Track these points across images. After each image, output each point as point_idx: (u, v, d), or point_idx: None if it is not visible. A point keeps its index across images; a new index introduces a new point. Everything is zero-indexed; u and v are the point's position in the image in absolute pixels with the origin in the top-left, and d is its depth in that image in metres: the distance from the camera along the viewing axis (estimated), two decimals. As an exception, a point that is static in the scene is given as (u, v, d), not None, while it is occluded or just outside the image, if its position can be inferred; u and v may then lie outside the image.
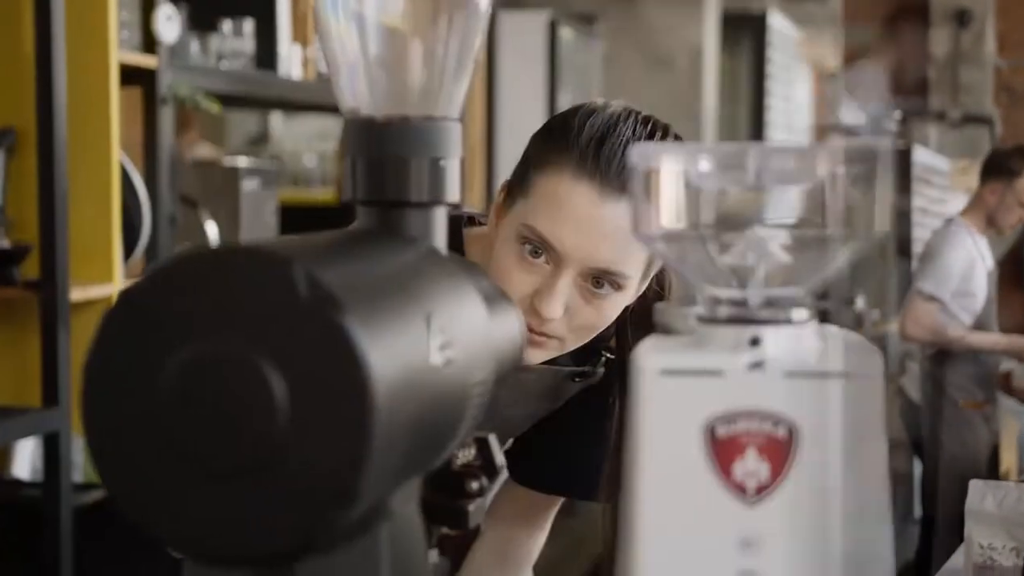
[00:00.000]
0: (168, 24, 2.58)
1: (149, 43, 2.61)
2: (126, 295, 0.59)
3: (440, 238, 0.75)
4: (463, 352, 0.67)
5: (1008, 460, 4.67)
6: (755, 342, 0.64)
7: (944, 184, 7.01)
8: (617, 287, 1.23)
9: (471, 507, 0.82)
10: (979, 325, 4.32)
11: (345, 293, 0.57)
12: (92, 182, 2.41)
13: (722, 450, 0.63)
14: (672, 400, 0.64)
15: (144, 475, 0.59)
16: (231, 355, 0.57)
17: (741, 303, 0.66)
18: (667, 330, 0.72)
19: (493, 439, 0.82)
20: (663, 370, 0.64)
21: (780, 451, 0.63)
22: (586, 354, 1.39)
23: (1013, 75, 9.13)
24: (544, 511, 1.51)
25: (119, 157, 2.46)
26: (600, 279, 1.22)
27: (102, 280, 2.43)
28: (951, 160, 6.99)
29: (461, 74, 0.76)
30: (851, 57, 8.33)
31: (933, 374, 4.40)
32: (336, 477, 0.57)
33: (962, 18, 8.29)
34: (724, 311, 0.66)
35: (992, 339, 4.39)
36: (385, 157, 0.72)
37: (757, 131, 7.05)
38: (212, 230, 2.84)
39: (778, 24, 7.10)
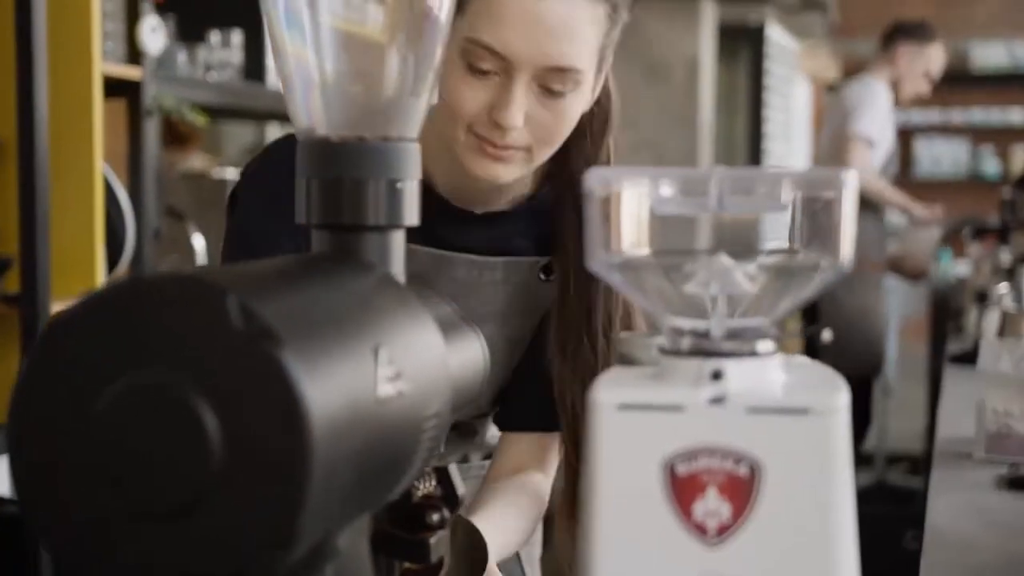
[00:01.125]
0: (153, 35, 2.56)
1: (135, 54, 2.58)
2: (55, 323, 0.57)
3: (398, 263, 0.73)
4: (416, 383, 0.65)
5: None
6: (717, 376, 0.62)
7: (791, 64, 7.09)
8: (573, 84, 1.21)
9: (432, 540, 0.79)
10: None
11: (283, 325, 0.55)
12: (75, 195, 2.39)
13: (682, 489, 0.61)
14: (630, 436, 0.61)
15: (71, 512, 0.56)
16: (162, 389, 0.54)
17: (704, 334, 0.64)
18: (630, 360, 0.70)
19: (453, 468, 0.79)
20: (621, 404, 0.61)
21: (742, 490, 0.60)
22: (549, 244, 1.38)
23: None
24: (547, 450, 1.43)
25: (102, 169, 2.43)
26: (554, 80, 1.20)
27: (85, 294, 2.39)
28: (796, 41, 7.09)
29: (420, 91, 0.73)
30: (850, 69, 8.32)
31: None
32: (271, 519, 0.54)
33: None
34: (686, 343, 0.64)
35: (906, 200, 4.44)
36: (340, 179, 0.70)
37: (755, 142, 7.03)
38: (199, 243, 2.81)
39: (776, 36, 7.08)
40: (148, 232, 2.57)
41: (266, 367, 0.53)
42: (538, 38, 1.18)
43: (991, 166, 9.23)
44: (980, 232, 4.28)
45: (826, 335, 3.96)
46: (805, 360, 0.68)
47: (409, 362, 0.64)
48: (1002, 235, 3.93)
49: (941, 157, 9.33)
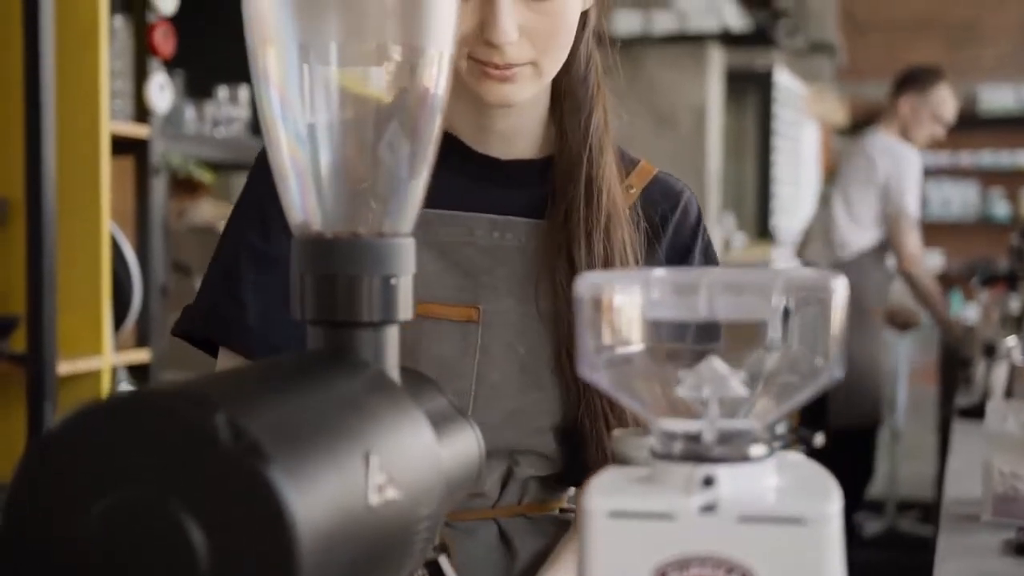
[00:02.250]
0: (161, 94, 2.57)
1: (143, 112, 2.60)
2: (46, 439, 0.57)
3: (392, 359, 0.72)
4: (407, 487, 0.65)
5: None
6: (708, 482, 0.61)
7: (799, 108, 7.12)
8: None
9: (430, 635, 0.79)
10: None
11: (272, 439, 0.55)
12: (82, 253, 2.40)
13: (673, 597, 0.60)
14: (621, 544, 0.61)
15: (60, 629, 0.56)
16: (150, 506, 0.54)
17: (695, 437, 0.64)
18: (623, 459, 0.70)
19: (444, 561, 0.79)
20: (612, 512, 0.61)
21: (734, 599, 0.60)
22: None
23: (857, 4, 9.15)
24: None
25: (109, 228, 2.44)
26: None
27: (91, 353, 2.40)
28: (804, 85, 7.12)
29: (418, 171, 0.73)
30: (858, 113, 8.34)
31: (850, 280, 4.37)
32: (260, 635, 0.54)
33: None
34: (678, 447, 0.63)
35: (947, 313, 4.43)
36: (335, 276, 0.70)
37: (763, 187, 7.04)
38: (206, 298, 2.81)
39: (784, 81, 7.10)
40: (155, 289, 2.58)
41: (254, 484, 0.53)
42: None
43: (1001, 208, 9.23)
44: (989, 280, 4.27)
45: (818, 440, 3.96)
46: (799, 458, 0.68)
47: (401, 466, 0.64)
48: (1011, 282, 3.93)
49: (951, 199, 9.34)
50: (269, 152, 0.73)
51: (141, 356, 2.57)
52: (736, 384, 0.63)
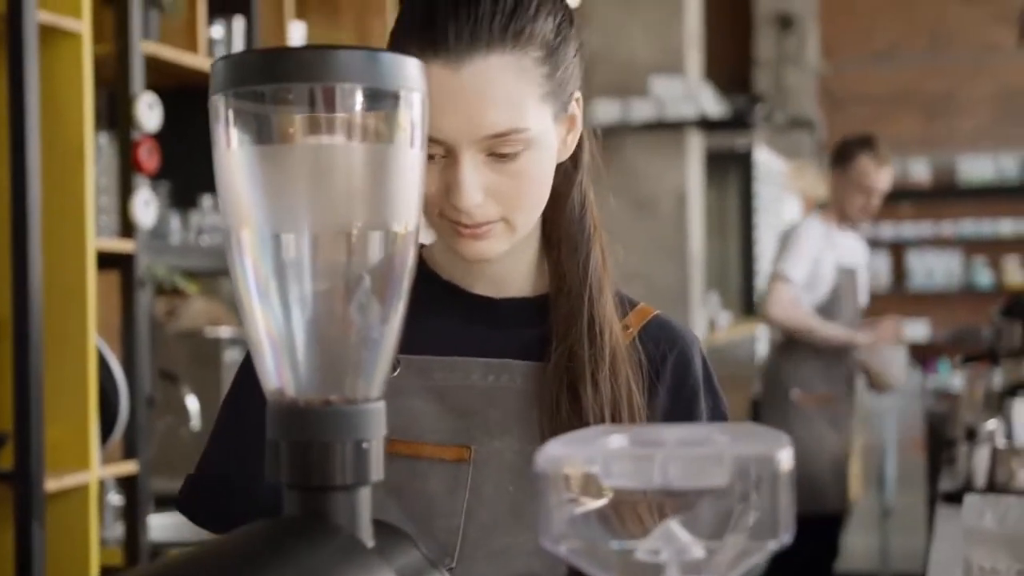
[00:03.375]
0: (146, 209, 2.61)
1: (128, 227, 2.63)
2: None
3: (364, 519, 0.75)
4: (379, 656, 0.67)
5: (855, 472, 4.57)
6: (668, 649, 0.64)
7: (780, 184, 7.21)
8: (523, 144, 1.14)
9: None
10: (823, 317, 4.34)
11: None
12: (69, 369, 2.42)
13: None
14: None
15: None
16: None
17: (656, 599, 0.66)
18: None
19: None
20: None
21: None
22: None
23: (835, 79, 9.29)
24: None
25: (96, 343, 2.47)
26: (500, 146, 1.13)
27: (79, 467, 2.41)
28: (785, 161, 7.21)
29: (385, 346, 0.76)
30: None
31: (774, 365, 4.39)
32: None
33: (785, 22, 8.44)
34: (639, 613, 0.66)
35: (843, 332, 4.39)
36: (309, 443, 0.73)
37: (747, 265, 7.10)
38: (193, 405, 2.84)
39: (764, 159, 7.19)
40: (141, 400, 2.60)
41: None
42: (463, 113, 1.11)
43: (984, 277, 9.31)
44: (970, 359, 4.29)
45: None
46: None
47: (373, 636, 0.67)
48: (993, 358, 3.95)
49: (934, 269, 9.41)
50: (243, 321, 0.76)
51: (128, 468, 2.58)
52: (694, 547, 0.66)
